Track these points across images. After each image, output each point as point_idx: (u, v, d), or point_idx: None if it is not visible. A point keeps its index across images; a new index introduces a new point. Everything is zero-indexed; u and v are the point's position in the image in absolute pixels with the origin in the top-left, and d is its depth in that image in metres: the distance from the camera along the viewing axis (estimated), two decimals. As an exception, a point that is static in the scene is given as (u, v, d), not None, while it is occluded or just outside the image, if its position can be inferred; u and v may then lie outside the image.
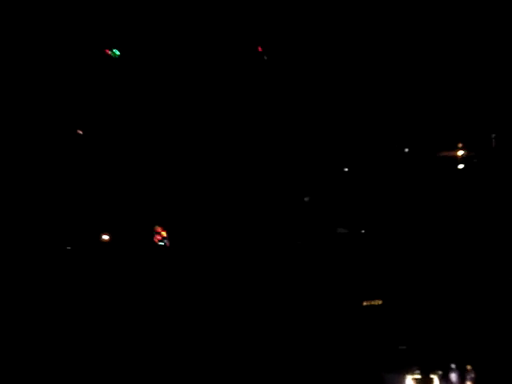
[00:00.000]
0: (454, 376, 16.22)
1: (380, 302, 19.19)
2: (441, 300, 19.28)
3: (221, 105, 26.16)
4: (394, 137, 24.34)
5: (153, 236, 25.80)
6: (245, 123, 26.15)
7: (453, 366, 16.76)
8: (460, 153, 18.99)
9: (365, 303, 19.95)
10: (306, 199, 21.92)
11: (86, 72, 24.96)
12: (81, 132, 24.92)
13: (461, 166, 20.81)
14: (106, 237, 25.77)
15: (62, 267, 25.20)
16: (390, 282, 20.48)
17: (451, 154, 21.07)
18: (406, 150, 21.91)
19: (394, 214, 23.04)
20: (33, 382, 22.63)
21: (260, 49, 16.94)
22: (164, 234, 25.75)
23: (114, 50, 20.13)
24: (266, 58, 21.37)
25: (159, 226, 25.75)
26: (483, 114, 22.77)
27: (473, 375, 16.40)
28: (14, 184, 24.74)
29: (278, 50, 25.12)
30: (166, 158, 26.50)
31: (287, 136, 26.16)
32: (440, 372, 17.01)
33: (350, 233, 22.68)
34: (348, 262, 22.34)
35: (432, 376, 16.54)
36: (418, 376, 16.03)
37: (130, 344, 24.08)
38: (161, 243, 25.68)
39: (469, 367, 16.83)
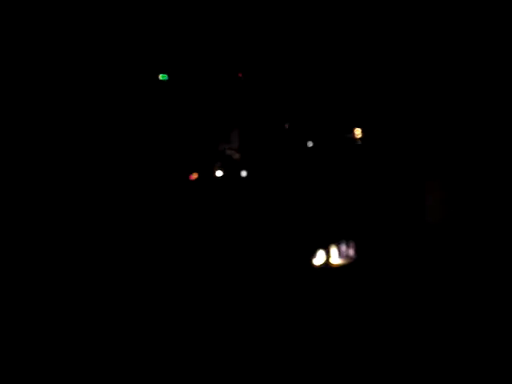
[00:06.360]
0: (343, 246, 21.03)
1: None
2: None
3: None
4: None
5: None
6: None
7: (342, 240, 21.86)
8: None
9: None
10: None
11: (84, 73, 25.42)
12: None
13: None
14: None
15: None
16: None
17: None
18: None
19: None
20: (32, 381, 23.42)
21: (240, 75, 17.11)
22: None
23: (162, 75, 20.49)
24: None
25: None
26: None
27: (353, 245, 21.41)
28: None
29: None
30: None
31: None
32: (334, 244, 21.19)
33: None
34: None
35: (331, 247, 20.64)
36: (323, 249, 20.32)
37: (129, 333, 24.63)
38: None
39: (351, 242, 22.56)
